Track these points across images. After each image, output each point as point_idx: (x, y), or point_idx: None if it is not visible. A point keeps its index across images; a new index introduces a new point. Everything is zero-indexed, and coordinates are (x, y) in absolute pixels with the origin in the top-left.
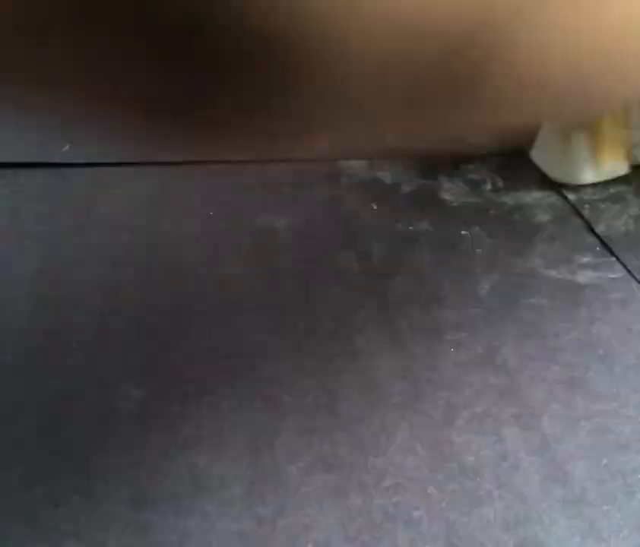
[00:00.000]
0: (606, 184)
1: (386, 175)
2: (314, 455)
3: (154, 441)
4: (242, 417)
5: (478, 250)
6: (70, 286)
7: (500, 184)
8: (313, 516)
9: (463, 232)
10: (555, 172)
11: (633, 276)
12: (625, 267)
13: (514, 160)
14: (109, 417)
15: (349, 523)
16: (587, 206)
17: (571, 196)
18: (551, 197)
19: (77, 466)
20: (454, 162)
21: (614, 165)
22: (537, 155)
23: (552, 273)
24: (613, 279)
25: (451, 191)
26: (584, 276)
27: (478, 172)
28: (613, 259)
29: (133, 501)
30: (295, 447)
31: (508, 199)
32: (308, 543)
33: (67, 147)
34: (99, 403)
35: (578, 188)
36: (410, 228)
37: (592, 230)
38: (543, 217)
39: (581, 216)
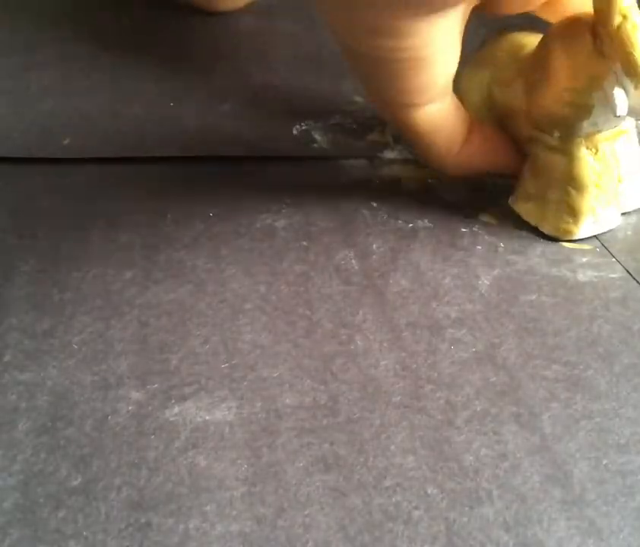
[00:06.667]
0: None
1: (386, 174)
2: (314, 455)
3: (154, 442)
4: (242, 417)
5: (478, 247)
6: (69, 286)
7: (500, 183)
8: (313, 516)
9: (463, 230)
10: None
11: (633, 277)
12: (625, 268)
13: None
14: (109, 418)
15: (349, 523)
16: None
17: None
18: None
19: (77, 466)
20: None
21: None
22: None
23: (553, 270)
24: (614, 278)
25: (450, 191)
26: (584, 275)
27: None
28: (614, 260)
29: (133, 503)
30: (295, 447)
31: (508, 199)
32: (308, 543)
33: (67, 141)
34: (99, 404)
35: None
36: (410, 225)
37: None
38: None
39: None
